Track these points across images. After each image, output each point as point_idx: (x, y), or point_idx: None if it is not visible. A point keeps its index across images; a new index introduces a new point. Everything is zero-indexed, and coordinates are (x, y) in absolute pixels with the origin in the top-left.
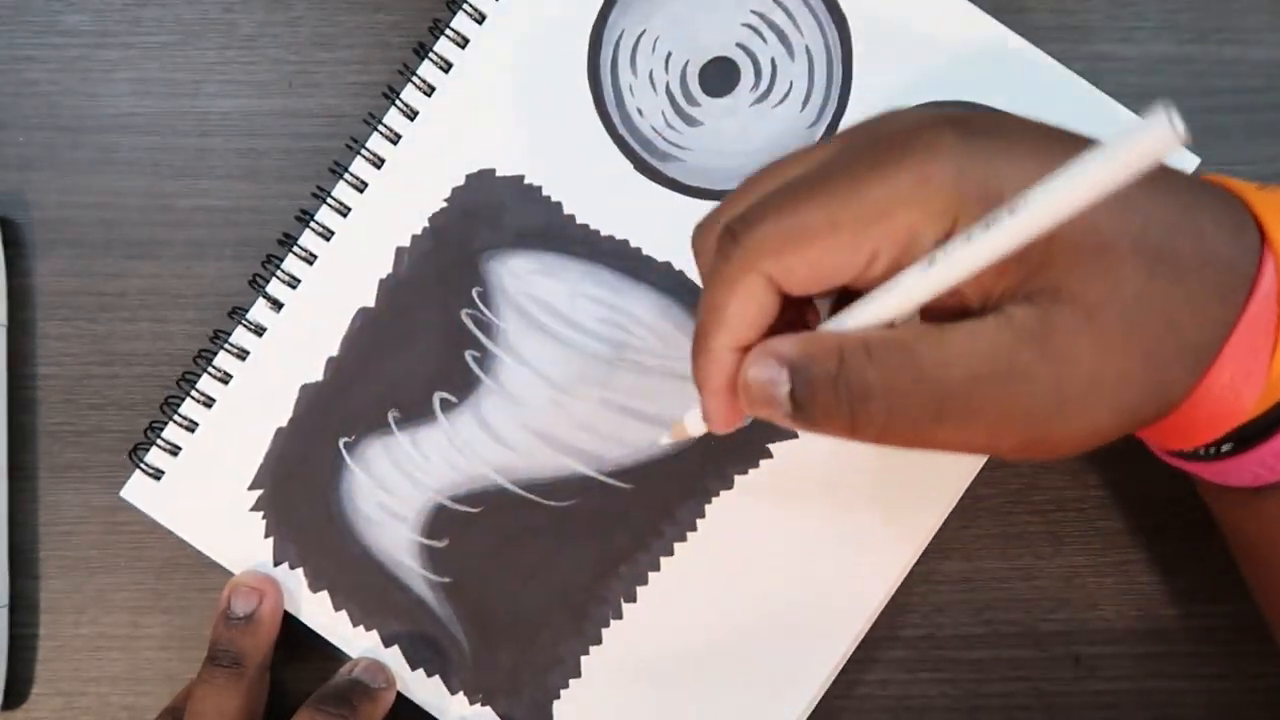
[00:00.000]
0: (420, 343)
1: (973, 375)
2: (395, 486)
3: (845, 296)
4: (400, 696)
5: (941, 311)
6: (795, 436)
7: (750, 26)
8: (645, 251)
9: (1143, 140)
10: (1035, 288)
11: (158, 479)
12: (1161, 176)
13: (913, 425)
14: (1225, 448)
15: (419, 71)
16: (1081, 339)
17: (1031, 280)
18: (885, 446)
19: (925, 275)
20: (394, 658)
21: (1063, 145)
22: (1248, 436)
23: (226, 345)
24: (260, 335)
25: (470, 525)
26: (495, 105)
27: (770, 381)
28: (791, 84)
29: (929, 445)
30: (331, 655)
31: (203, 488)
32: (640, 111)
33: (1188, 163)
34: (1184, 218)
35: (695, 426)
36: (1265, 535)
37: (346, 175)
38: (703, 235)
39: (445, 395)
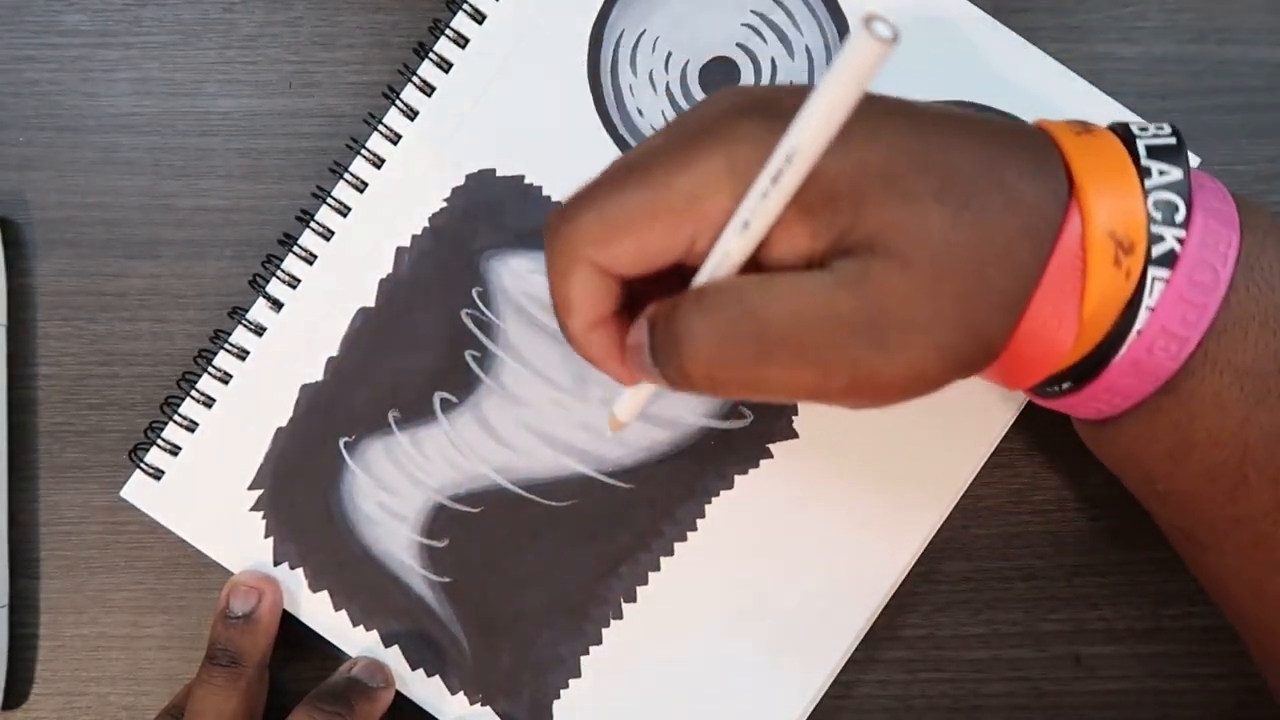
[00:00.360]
0: (420, 343)
1: (795, 313)
2: (395, 486)
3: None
4: (400, 696)
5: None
6: (796, 437)
7: (750, 26)
8: None
9: (853, 56)
10: (851, 242)
11: (158, 479)
12: (972, 126)
13: (739, 360)
14: (1065, 385)
15: (419, 71)
16: (896, 284)
17: (847, 237)
18: (727, 395)
19: (736, 240)
20: (394, 657)
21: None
22: (1082, 374)
23: (226, 345)
24: (260, 335)
25: (470, 525)
26: (495, 105)
27: (637, 342)
28: (791, 84)
29: (761, 389)
30: (331, 655)
31: (203, 488)
32: (640, 111)
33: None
34: (989, 166)
35: (622, 412)
36: (1118, 463)
37: (346, 175)
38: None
39: (445, 395)
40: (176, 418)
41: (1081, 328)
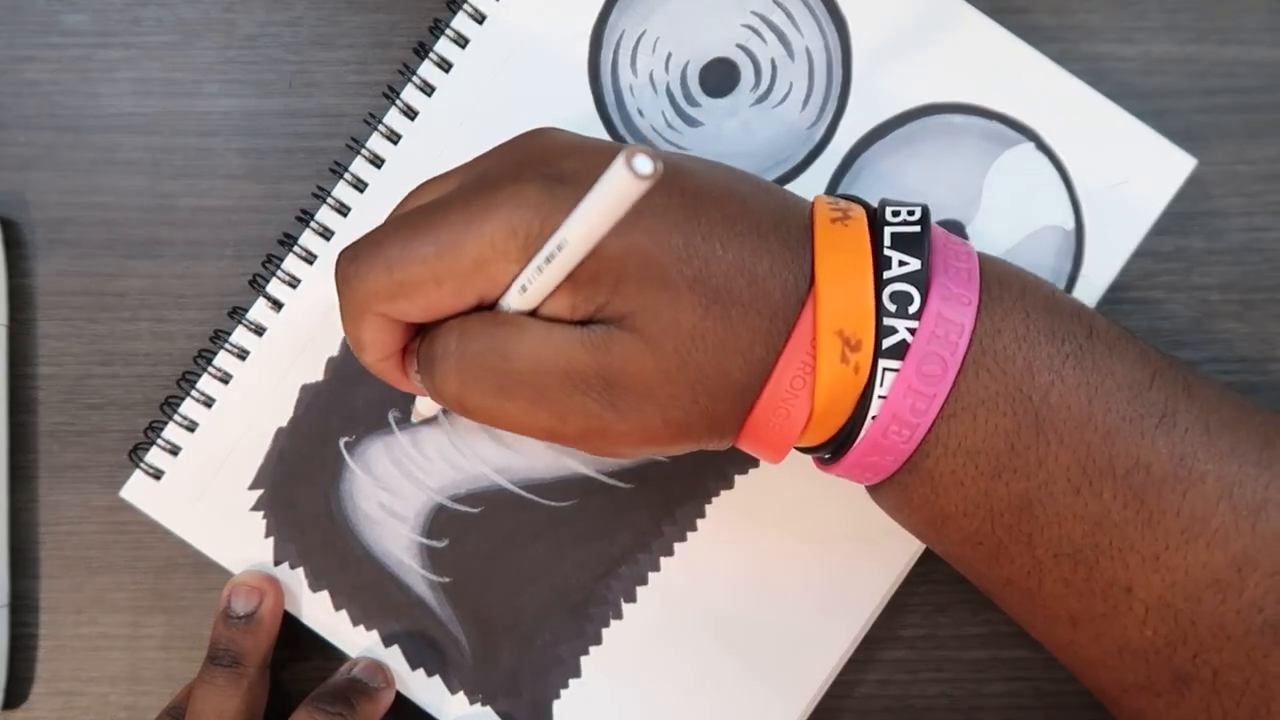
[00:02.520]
0: None
1: (537, 357)
2: (395, 486)
3: None
4: (400, 696)
5: None
6: None
7: (750, 27)
8: None
9: (612, 185)
10: (610, 313)
11: (158, 479)
12: (733, 214)
13: (483, 390)
14: (826, 456)
15: (419, 71)
16: (638, 360)
17: (608, 307)
18: (477, 420)
19: (516, 299)
20: (394, 657)
21: None
22: (836, 449)
23: (226, 345)
24: (260, 335)
25: (470, 525)
26: (495, 105)
27: (414, 354)
28: (791, 84)
29: (503, 422)
30: (331, 655)
31: (203, 488)
32: (640, 112)
33: (1185, 164)
34: (744, 262)
35: (424, 408)
36: (901, 524)
37: (346, 175)
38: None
39: None
40: (176, 418)
41: (815, 414)
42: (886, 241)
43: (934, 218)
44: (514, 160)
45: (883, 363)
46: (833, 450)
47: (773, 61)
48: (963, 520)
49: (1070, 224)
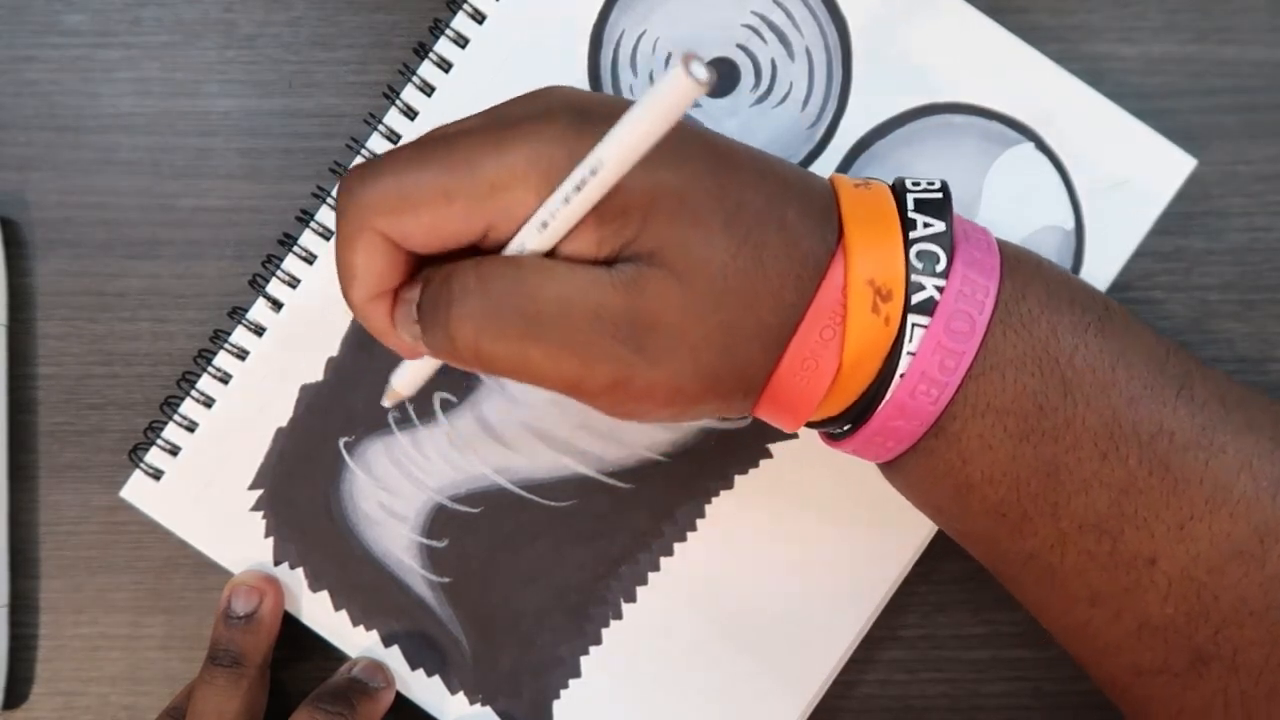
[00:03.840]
0: None
1: (566, 299)
2: (395, 486)
3: None
4: (400, 696)
5: None
6: (795, 437)
7: (750, 27)
8: None
9: (667, 92)
10: (638, 249)
11: (158, 479)
12: (765, 168)
13: (504, 334)
14: (845, 428)
15: (419, 71)
16: (669, 298)
17: (631, 245)
18: (490, 370)
19: (534, 238)
20: (394, 657)
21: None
22: (856, 417)
23: (226, 345)
24: (260, 335)
25: (470, 525)
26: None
27: (408, 302)
28: (791, 84)
29: (525, 369)
30: (331, 655)
31: (203, 488)
32: None
33: (1185, 164)
34: (773, 206)
35: (401, 384)
36: (918, 503)
37: None
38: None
39: (445, 395)
40: (176, 418)
41: (843, 369)
42: (910, 205)
43: None
44: (539, 100)
45: (912, 318)
46: (854, 418)
47: (773, 61)
48: (988, 489)
49: (1070, 224)
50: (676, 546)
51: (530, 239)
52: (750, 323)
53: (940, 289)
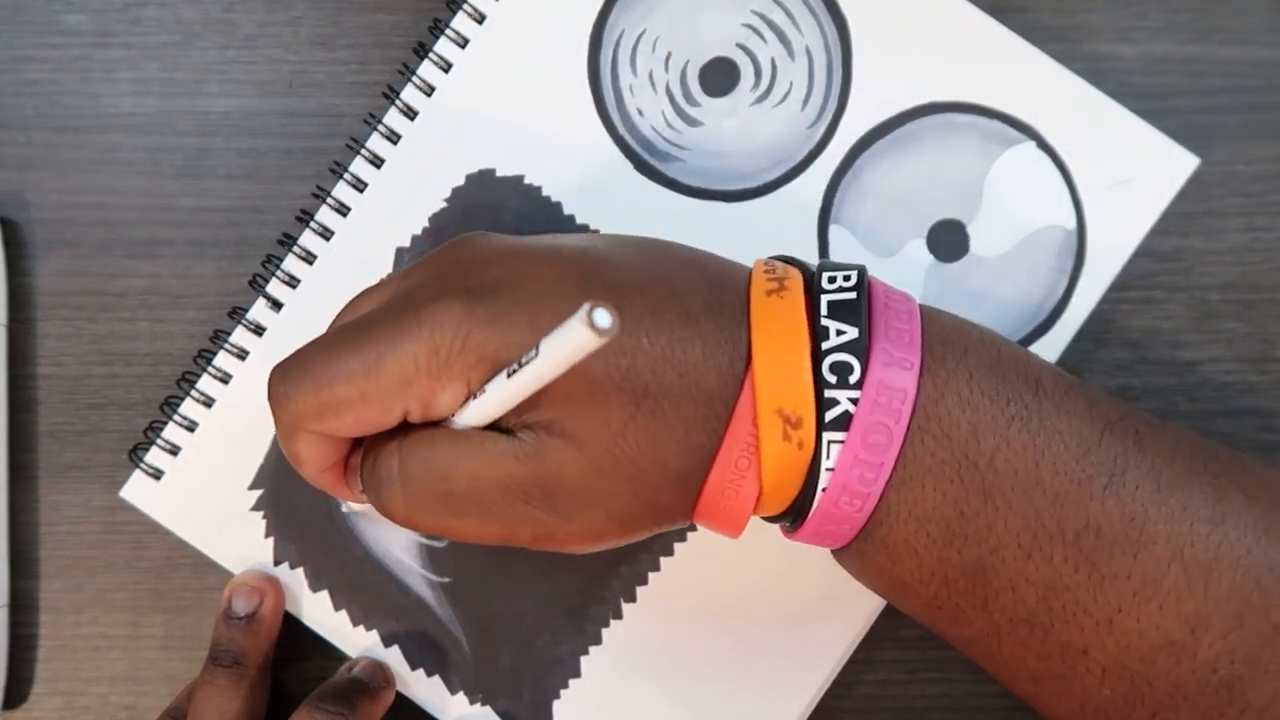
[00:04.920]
0: None
1: (476, 476)
2: None
3: None
4: (400, 696)
5: None
6: None
7: (750, 27)
8: None
9: (569, 338)
10: (535, 420)
11: (158, 479)
12: (664, 298)
13: (429, 510)
14: (786, 524)
15: (419, 71)
16: (572, 465)
17: (532, 414)
18: (429, 533)
19: (458, 417)
20: (394, 657)
21: (555, 301)
22: (794, 518)
23: (226, 345)
24: (260, 335)
25: None
26: (495, 105)
27: (355, 470)
28: (791, 84)
29: (454, 535)
30: (331, 655)
31: (203, 488)
32: (640, 111)
33: (1188, 163)
34: (673, 353)
35: (359, 505)
36: (867, 584)
37: (346, 175)
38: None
39: None
40: (176, 418)
41: (765, 490)
42: (823, 310)
43: (935, 217)
44: (438, 274)
45: (827, 435)
46: (790, 519)
47: (773, 61)
48: (919, 587)
49: (1072, 223)
50: (677, 546)
51: (462, 419)
52: (657, 473)
53: (855, 400)
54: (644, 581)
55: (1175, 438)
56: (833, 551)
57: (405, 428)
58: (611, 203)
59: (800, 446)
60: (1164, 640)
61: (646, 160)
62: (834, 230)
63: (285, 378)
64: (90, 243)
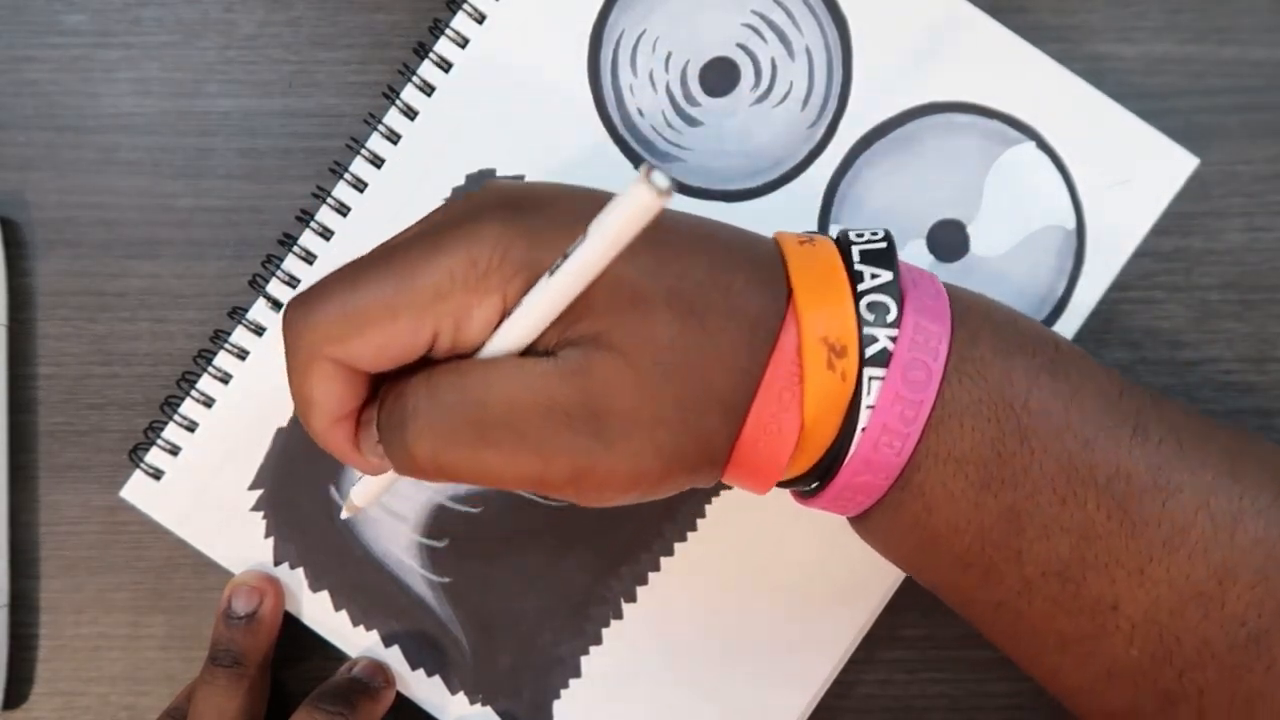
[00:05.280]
0: None
1: (512, 399)
2: (396, 486)
3: None
4: (400, 696)
5: None
6: None
7: (750, 26)
8: None
9: (630, 204)
10: (580, 334)
11: (158, 479)
12: (705, 238)
13: (458, 443)
14: (814, 485)
15: (419, 71)
16: (619, 380)
17: (576, 327)
18: (454, 479)
19: (493, 340)
20: (394, 657)
21: (593, 210)
22: (824, 473)
23: (226, 345)
24: (260, 335)
25: (470, 525)
26: (495, 105)
27: (369, 424)
28: (791, 84)
29: (485, 475)
30: (331, 655)
31: (203, 488)
32: (640, 111)
33: (1188, 164)
34: (717, 274)
35: (360, 497)
36: (888, 555)
37: (346, 175)
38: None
39: None
40: (176, 418)
41: (805, 429)
42: (856, 258)
43: (935, 217)
44: (473, 202)
45: (868, 371)
46: (820, 475)
47: (773, 61)
48: (953, 539)
49: (1071, 223)
50: (677, 546)
51: (497, 345)
52: (705, 394)
53: (893, 339)
54: (644, 581)
55: (1183, 407)
56: (854, 522)
57: (429, 366)
58: None
59: (843, 378)
60: (1193, 591)
61: (647, 160)
62: (834, 230)
63: (304, 301)
64: (90, 243)
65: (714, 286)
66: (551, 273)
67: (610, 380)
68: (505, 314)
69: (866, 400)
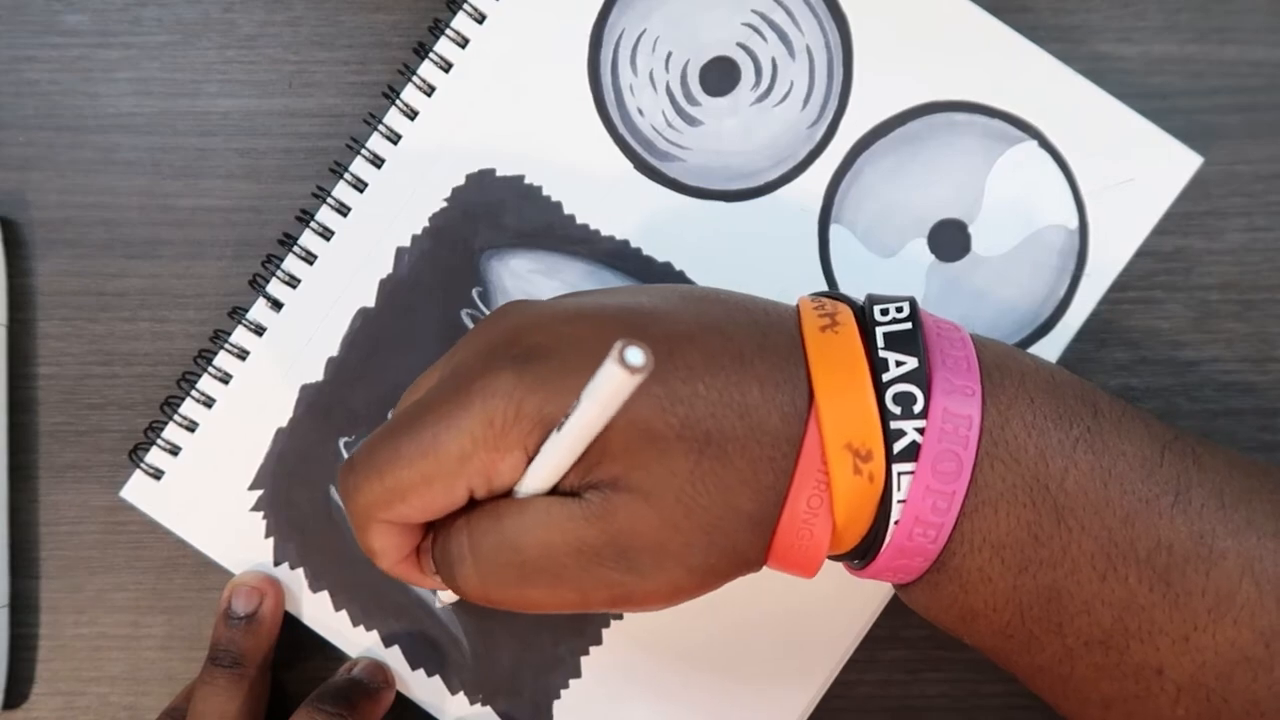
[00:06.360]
0: (420, 343)
1: (547, 544)
2: None
3: None
4: (400, 696)
5: None
6: None
7: (750, 26)
8: (645, 252)
9: (606, 380)
10: (599, 478)
11: (158, 479)
12: (715, 354)
13: (504, 584)
14: (856, 563)
15: (419, 71)
16: (642, 520)
17: (596, 472)
18: (506, 608)
19: (523, 483)
20: (394, 657)
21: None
22: (864, 554)
23: (226, 345)
24: (260, 335)
25: None
26: (495, 105)
27: (428, 554)
28: (792, 84)
29: (530, 607)
30: (331, 655)
31: (203, 488)
32: (640, 111)
33: (1191, 162)
34: (731, 397)
35: (447, 596)
36: (929, 619)
37: (346, 175)
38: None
39: None
40: (176, 418)
41: (837, 528)
42: (880, 343)
43: (936, 216)
44: (484, 347)
45: (897, 467)
46: (860, 555)
47: (773, 60)
48: (992, 616)
49: (1074, 222)
50: None
51: (520, 488)
52: (732, 517)
53: (921, 430)
54: None
55: (1228, 456)
56: (897, 589)
57: (473, 505)
58: (611, 203)
59: (871, 480)
60: (1240, 656)
61: (646, 160)
62: (834, 230)
63: (352, 470)
64: (90, 243)
65: (729, 408)
66: (559, 429)
67: (634, 521)
68: (529, 460)
69: (898, 495)
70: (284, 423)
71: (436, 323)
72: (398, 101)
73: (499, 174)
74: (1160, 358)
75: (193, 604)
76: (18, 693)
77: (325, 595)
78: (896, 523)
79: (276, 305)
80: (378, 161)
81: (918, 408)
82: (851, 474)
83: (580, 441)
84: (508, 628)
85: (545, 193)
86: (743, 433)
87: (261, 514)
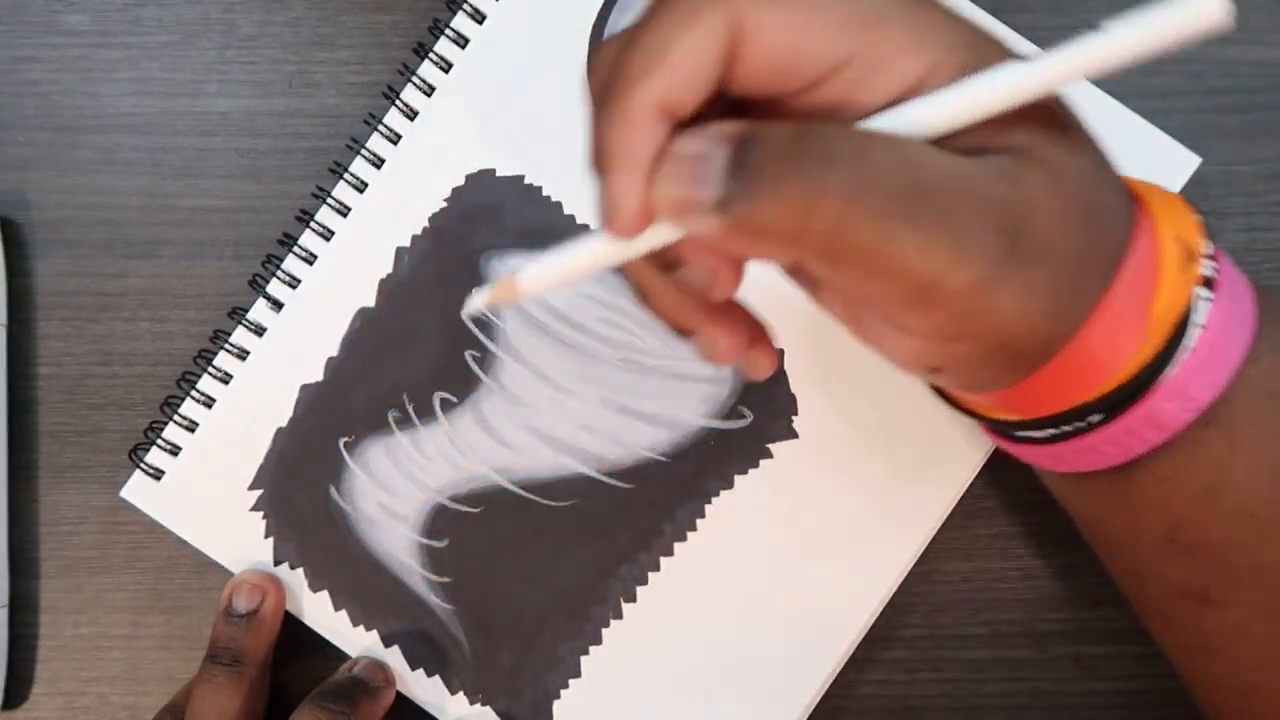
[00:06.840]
0: (420, 343)
1: (953, 175)
2: (395, 486)
3: None
4: (400, 696)
5: None
6: (796, 437)
7: None
8: None
9: (1186, 10)
10: (1009, 144)
11: (158, 479)
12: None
13: (881, 214)
14: (1095, 419)
15: (419, 71)
16: (1048, 200)
17: (1006, 136)
18: (827, 263)
19: (912, 107)
20: (394, 657)
21: None
22: (1120, 401)
23: (226, 345)
24: (260, 335)
25: (470, 525)
26: (495, 105)
27: (700, 155)
28: None
29: (890, 255)
30: (332, 655)
31: (203, 488)
32: None
33: (1189, 163)
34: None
35: (529, 278)
36: (1130, 516)
37: (346, 175)
38: None
39: (445, 395)
40: (176, 418)
41: (1151, 321)
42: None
43: None
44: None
45: (1198, 290)
46: (1111, 405)
47: None
48: (1247, 484)
49: None
50: (676, 546)
51: (913, 118)
52: (1098, 250)
53: (1215, 269)
54: (644, 581)
55: None
56: (1086, 481)
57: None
58: None
59: (1189, 284)
60: None
61: None
62: None
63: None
64: (90, 243)
65: (1104, 164)
66: (1026, 62)
67: (1040, 197)
68: (919, 90)
69: (1195, 317)
70: (284, 423)
71: (436, 323)
72: (398, 101)
73: (499, 174)
74: None
75: (193, 603)
76: (18, 693)
77: (325, 595)
78: (1192, 350)
79: (276, 305)
80: (378, 162)
81: (1208, 250)
82: (1179, 269)
83: (1062, 76)
84: (508, 628)
85: (545, 193)
86: (1113, 179)
87: (261, 514)
